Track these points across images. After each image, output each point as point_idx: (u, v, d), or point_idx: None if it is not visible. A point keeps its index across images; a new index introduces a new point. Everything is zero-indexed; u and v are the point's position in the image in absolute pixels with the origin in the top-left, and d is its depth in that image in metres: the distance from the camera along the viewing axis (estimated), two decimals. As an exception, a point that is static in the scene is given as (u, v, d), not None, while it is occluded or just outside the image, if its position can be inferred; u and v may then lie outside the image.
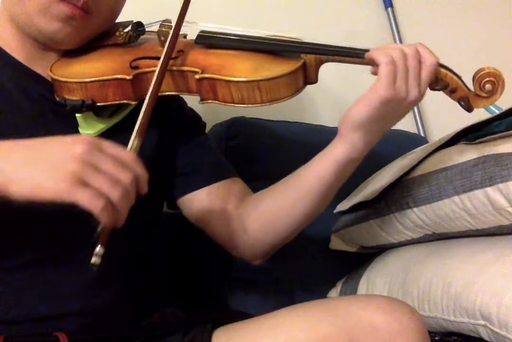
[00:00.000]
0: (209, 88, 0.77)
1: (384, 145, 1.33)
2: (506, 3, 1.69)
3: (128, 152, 0.64)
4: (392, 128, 1.45)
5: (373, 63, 0.78)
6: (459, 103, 0.81)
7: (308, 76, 0.81)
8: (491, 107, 1.36)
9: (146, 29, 0.88)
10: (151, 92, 0.73)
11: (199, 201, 0.91)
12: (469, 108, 0.81)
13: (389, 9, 1.58)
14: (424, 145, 1.17)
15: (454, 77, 0.81)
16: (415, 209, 1.02)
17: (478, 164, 0.91)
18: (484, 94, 0.81)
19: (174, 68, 0.79)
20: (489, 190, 0.88)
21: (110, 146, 0.61)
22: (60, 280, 0.78)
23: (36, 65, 0.83)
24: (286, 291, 1.17)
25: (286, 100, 0.78)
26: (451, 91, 0.81)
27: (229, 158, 1.19)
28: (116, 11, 0.85)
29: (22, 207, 0.76)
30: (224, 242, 0.92)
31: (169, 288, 0.93)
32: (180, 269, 1.08)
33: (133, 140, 0.68)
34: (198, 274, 1.10)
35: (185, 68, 0.78)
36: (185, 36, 0.89)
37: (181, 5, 0.79)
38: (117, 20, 0.88)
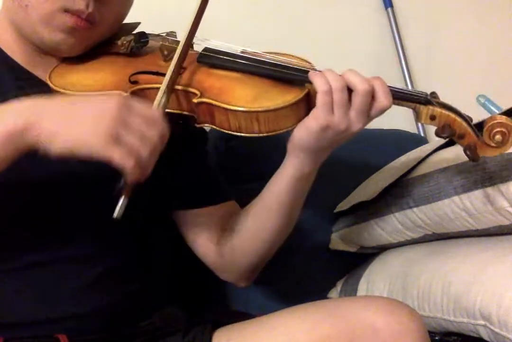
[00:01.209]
0: (207, 113, 0.75)
1: (384, 145, 1.35)
2: (507, 3, 1.69)
3: (155, 109, 0.68)
4: (392, 128, 1.46)
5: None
6: (465, 153, 0.77)
7: (312, 105, 0.75)
8: (491, 107, 1.37)
9: (150, 37, 0.86)
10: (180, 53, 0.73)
11: (188, 220, 0.92)
12: (474, 159, 0.77)
13: (389, 9, 1.58)
14: (424, 145, 1.17)
15: (463, 122, 0.77)
16: (415, 209, 1.02)
17: (478, 164, 0.91)
18: (493, 144, 0.76)
19: (175, 87, 0.76)
20: (489, 190, 0.88)
21: (139, 104, 0.65)
22: (59, 281, 0.78)
23: (36, 68, 0.82)
24: (286, 291, 1.17)
25: (286, 131, 0.76)
26: (459, 138, 0.78)
27: (229, 158, 1.20)
28: (121, 19, 0.84)
29: (23, 207, 0.76)
30: (207, 264, 0.93)
31: (169, 288, 0.93)
32: (180, 269, 1.08)
33: (161, 97, 0.70)
34: (198, 275, 1.10)
35: (185, 88, 0.76)
36: (191, 45, 0.85)
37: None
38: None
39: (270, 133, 0.75)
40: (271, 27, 1.47)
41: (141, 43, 0.84)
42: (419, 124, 1.56)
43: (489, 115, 0.95)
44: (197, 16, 0.77)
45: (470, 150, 0.77)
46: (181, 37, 0.77)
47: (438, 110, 0.77)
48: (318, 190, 1.10)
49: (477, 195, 0.90)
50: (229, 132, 0.75)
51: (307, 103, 0.76)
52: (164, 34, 0.84)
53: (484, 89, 1.55)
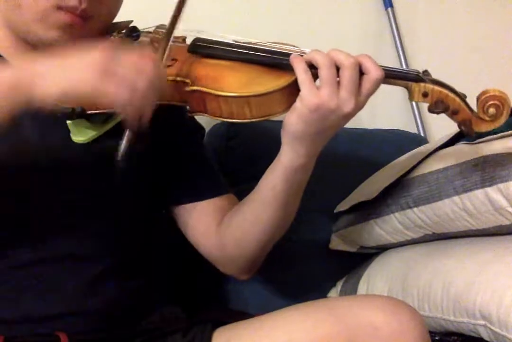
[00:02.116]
0: (199, 101, 0.75)
1: (384, 145, 1.35)
2: (507, 3, 1.69)
3: (151, 54, 0.69)
4: (392, 128, 1.46)
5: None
6: (460, 128, 0.77)
7: None
8: (491, 107, 1.37)
9: (141, 33, 0.85)
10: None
11: (189, 215, 0.91)
12: (469, 133, 0.77)
13: (389, 9, 1.58)
14: (424, 145, 1.17)
15: (456, 98, 0.76)
16: (415, 209, 1.02)
17: (478, 164, 0.91)
18: (487, 118, 0.75)
19: (167, 78, 0.76)
20: (489, 190, 0.88)
21: (134, 48, 0.67)
22: (60, 280, 0.78)
23: None
24: (286, 291, 1.17)
25: (278, 115, 0.75)
26: (453, 113, 0.77)
27: (229, 158, 1.20)
28: (114, 15, 0.84)
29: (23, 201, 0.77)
30: (208, 257, 0.93)
31: (169, 287, 0.93)
32: (180, 269, 1.08)
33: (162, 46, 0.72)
34: (198, 274, 1.10)
35: (176, 78, 0.76)
36: (184, 39, 0.87)
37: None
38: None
39: (262, 118, 0.75)
40: (270, 27, 1.47)
41: (132, 37, 0.84)
42: (419, 125, 1.56)
43: (489, 115, 0.96)
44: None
45: (465, 126, 0.76)
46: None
47: (430, 86, 0.76)
48: (318, 190, 1.11)
49: (477, 195, 0.90)
50: (222, 119, 0.75)
51: (298, 87, 0.75)
52: (153, 28, 0.85)
53: (484, 89, 1.55)
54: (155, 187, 0.88)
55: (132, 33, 0.85)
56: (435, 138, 1.49)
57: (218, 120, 0.77)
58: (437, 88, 0.76)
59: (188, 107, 0.78)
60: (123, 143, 0.68)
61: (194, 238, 0.92)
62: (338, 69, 0.72)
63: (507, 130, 0.92)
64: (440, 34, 1.64)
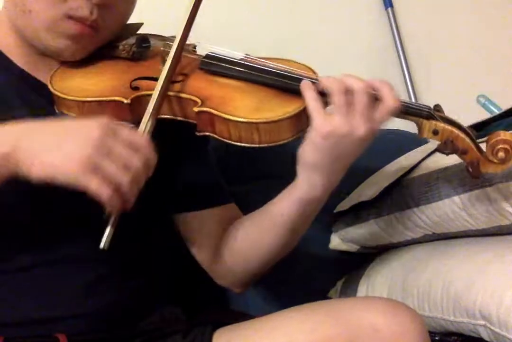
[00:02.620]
0: (208, 122, 0.75)
1: (384, 145, 1.34)
2: (507, 3, 1.69)
3: (141, 135, 0.67)
4: (392, 128, 1.46)
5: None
6: (466, 169, 0.77)
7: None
8: (491, 107, 1.37)
9: (154, 39, 0.86)
10: (165, 77, 0.71)
11: (188, 222, 0.90)
12: (475, 176, 0.77)
13: (389, 9, 1.58)
14: (424, 145, 1.17)
15: (466, 138, 0.76)
16: (415, 209, 1.02)
17: (478, 164, 0.91)
18: (495, 161, 0.75)
19: (176, 94, 0.76)
20: (489, 190, 0.88)
21: (124, 130, 0.64)
22: (60, 282, 0.78)
23: (37, 70, 0.82)
24: (286, 291, 1.17)
25: (285, 142, 0.74)
26: (462, 153, 0.76)
27: (229, 158, 1.20)
28: (123, 23, 0.84)
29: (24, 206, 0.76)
30: (205, 267, 0.92)
31: (169, 288, 0.93)
32: (180, 270, 1.08)
33: (146, 122, 0.69)
34: (198, 275, 1.10)
35: (186, 96, 0.76)
36: (194, 46, 0.86)
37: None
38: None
39: (270, 144, 0.74)
40: (271, 27, 1.47)
41: (142, 48, 0.84)
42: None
43: (489, 115, 0.96)
44: (188, 21, 0.76)
45: (472, 167, 0.76)
46: (174, 44, 0.76)
47: (441, 125, 0.76)
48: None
49: (477, 195, 0.90)
50: (229, 142, 0.75)
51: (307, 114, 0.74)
52: (164, 40, 0.84)
53: (484, 89, 1.55)
54: (158, 193, 0.88)
55: (142, 43, 0.84)
56: (435, 138, 1.49)
57: (226, 142, 0.75)
58: (447, 127, 0.76)
59: (196, 126, 0.77)
60: (108, 229, 0.65)
61: (193, 247, 0.92)
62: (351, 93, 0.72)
63: (507, 130, 0.92)
64: (440, 34, 1.64)
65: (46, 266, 0.77)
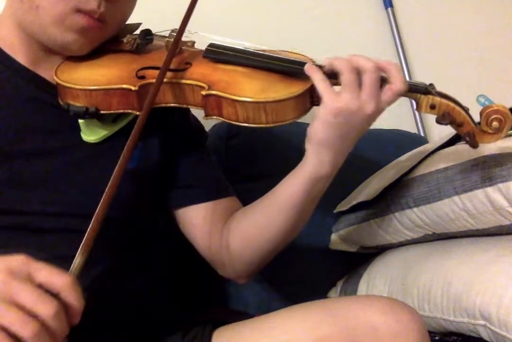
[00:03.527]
0: (215, 105, 0.76)
1: (384, 145, 1.35)
2: (507, 3, 1.69)
3: (64, 276, 0.57)
4: (392, 128, 1.46)
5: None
6: (464, 140, 0.81)
7: (315, 98, 0.78)
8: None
9: (155, 37, 0.87)
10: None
11: (192, 216, 0.90)
12: (473, 145, 0.80)
13: (389, 9, 1.58)
14: (424, 145, 1.17)
15: (462, 111, 0.80)
16: (415, 209, 1.02)
17: (478, 164, 0.91)
18: (490, 131, 0.79)
19: (182, 81, 0.77)
20: (489, 190, 0.88)
21: (41, 271, 0.56)
22: None
23: (40, 68, 0.82)
24: (286, 291, 1.17)
25: (291, 122, 0.77)
26: (458, 126, 0.81)
27: (229, 158, 1.20)
28: (127, 18, 0.85)
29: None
30: (209, 259, 0.92)
31: (169, 288, 0.93)
32: (180, 269, 1.08)
33: (76, 258, 0.62)
34: (198, 274, 1.10)
35: (192, 82, 0.77)
36: (193, 43, 0.87)
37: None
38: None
39: (276, 124, 0.76)
40: (270, 27, 1.47)
41: (146, 40, 0.85)
42: (419, 125, 1.56)
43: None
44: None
45: (470, 138, 0.80)
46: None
47: (437, 99, 0.79)
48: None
49: (477, 195, 0.90)
50: (237, 123, 0.76)
51: (312, 95, 0.78)
52: (168, 33, 0.85)
53: (484, 89, 1.55)
54: (159, 187, 0.88)
55: (146, 36, 0.85)
56: (435, 138, 1.49)
57: (232, 124, 0.77)
58: (444, 101, 0.79)
59: (204, 111, 0.78)
60: None
61: (196, 239, 0.91)
62: (359, 74, 0.75)
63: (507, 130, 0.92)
64: (440, 34, 1.65)
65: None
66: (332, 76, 0.76)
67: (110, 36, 0.83)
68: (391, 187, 1.06)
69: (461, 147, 0.99)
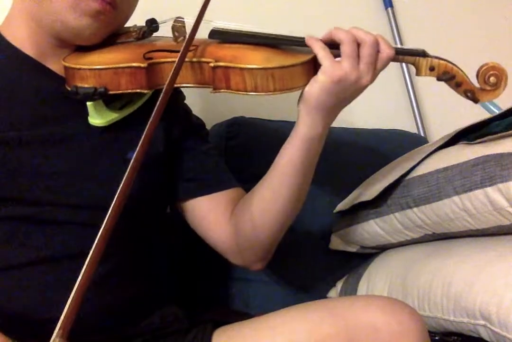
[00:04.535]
0: (223, 77, 0.78)
1: (384, 145, 1.35)
2: (507, 3, 1.69)
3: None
4: (392, 128, 1.46)
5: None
6: (466, 95, 0.84)
7: (320, 68, 0.81)
8: (491, 106, 1.37)
9: (160, 24, 0.88)
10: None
11: (199, 207, 0.91)
12: (475, 100, 0.83)
13: (389, 9, 1.58)
14: (424, 145, 1.17)
15: (460, 71, 0.83)
16: (415, 209, 1.02)
17: (478, 164, 0.91)
18: (488, 88, 0.82)
19: (188, 59, 0.79)
20: (489, 190, 0.88)
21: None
22: (59, 281, 0.78)
23: (48, 61, 0.83)
24: (286, 291, 1.17)
25: (298, 90, 0.80)
26: (457, 85, 0.84)
27: (229, 158, 1.20)
28: (134, 7, 0.87)
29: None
30: (221, 249, 0.92)
31: (169, 288, 0.93)
32: (180, 269, 1.08)
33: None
34: (198, 274, 1.10)
35: (200, 59, 0.79)
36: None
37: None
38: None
39: (284, 91, 0.79)
40: (270, 28, 1.47)
41: (152, 28, 0.87)
42: (419, 125, 1.56)
43: (490, 115, 0.96)
44: None
45: (470, 93, 0.83)
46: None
47: (436, 60, 0.83)
48: (318, 189, 1.11)
49: (477, 195, 0.90)
50: (245, 93, 0.78)
51: (315, 66, 0.80)
52: (171, 20, 0.86)
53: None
54: (163, 179, 0.88)
55: (152, 24, 0.87)
56: (435, 138, 1.49)
57: (240, 94, 0.78)
58: (442, 62, 0.83)
59: (212, 86, 0.79)
60: None
61: (205, 230, 0.92)
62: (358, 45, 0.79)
63: (507, 131, 0.92)
64: (440, 34, 1.64)
65: (46, 265, 0.77)
66: (332, 47, 0.79)
67: (119, 25, 0.85)
68: (391, 187, 1.06)
69: (461, 147, 0.99)
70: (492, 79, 0.82)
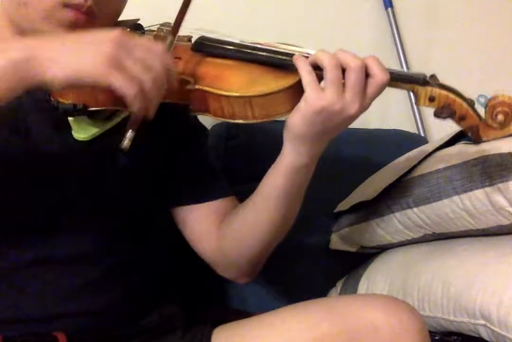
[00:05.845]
0: (202, 100, 0.75)
1: (384, 145, 1.35)
2: (506, 3, 1.69)
3: (159, 44, 0.69)
4: (392, 128, 1.46)
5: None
6: (467, 134, 0.75)
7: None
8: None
9: (146, 32, 0.85)
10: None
11: (185, 216, 0.90)
12: (476, 140, 0.75)
13: (389, 9, 1.58)
14: (424, 145, 1.17)
15: (464, 103, 0.74)
16: (415, 209, 1.02)
17: (478, 164, 0.91)
18: (495, 125, 0.73)
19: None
20: (489, 190, 0.88)
21: (141, 38, 0.67)
22: (59, 280, 0.78)
23: None
24: (286, 291, 1.17)
25: (281, 116, 0.74)
26: (460, 119, 0.74)
27: (229, 158, 1.20)
28: (119, 12, 0.84)
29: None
30: (208, 261, 0.91)
31: (168, 287, 0.93)
32: (179, 268, 1.08)
33: (167, 38, 0.73)
34: (197, 273, 1.10)
35: (179, 76, 0.75)
36: (189, 38, 0.85)
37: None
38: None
39: (264, 119, 0.74)
40: (270, 28, 1.47)
41: (137, 33, 0.84)
42: (419, 125, 1.56)
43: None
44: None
45: (472, 133, 0.74)
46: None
47: (437, 90, 0.74)
48: (318, 190, 1.10)
49: (477, 195, 0.90)
50: (224, 119, 0.75)
51: (302, 88, 0.73)
52: (157, 26, 0.84)
53: (484, 89, 1.55)
54: (155, 186, 0.88)
55: (136, 29, 0.84)
56: (435, 138, 1.49)
57: (220, 120, 0.76)
58: (444, 92, 0.74)
59: (190, 107, 0.77)
60: (129, 132, 0.67)
61: (193, 239, 0.91)
62: (343, 70, 0.71)
63: (507, 130, 0.92)
64: (440, 34, 1.64)
65: (45, 264, 0.77)
66: (319, 68, 0.72)
67: None
68: (391, 187, 1.06)
69: (461, 147, 0.99)
70: (500, 117, 0.71)
